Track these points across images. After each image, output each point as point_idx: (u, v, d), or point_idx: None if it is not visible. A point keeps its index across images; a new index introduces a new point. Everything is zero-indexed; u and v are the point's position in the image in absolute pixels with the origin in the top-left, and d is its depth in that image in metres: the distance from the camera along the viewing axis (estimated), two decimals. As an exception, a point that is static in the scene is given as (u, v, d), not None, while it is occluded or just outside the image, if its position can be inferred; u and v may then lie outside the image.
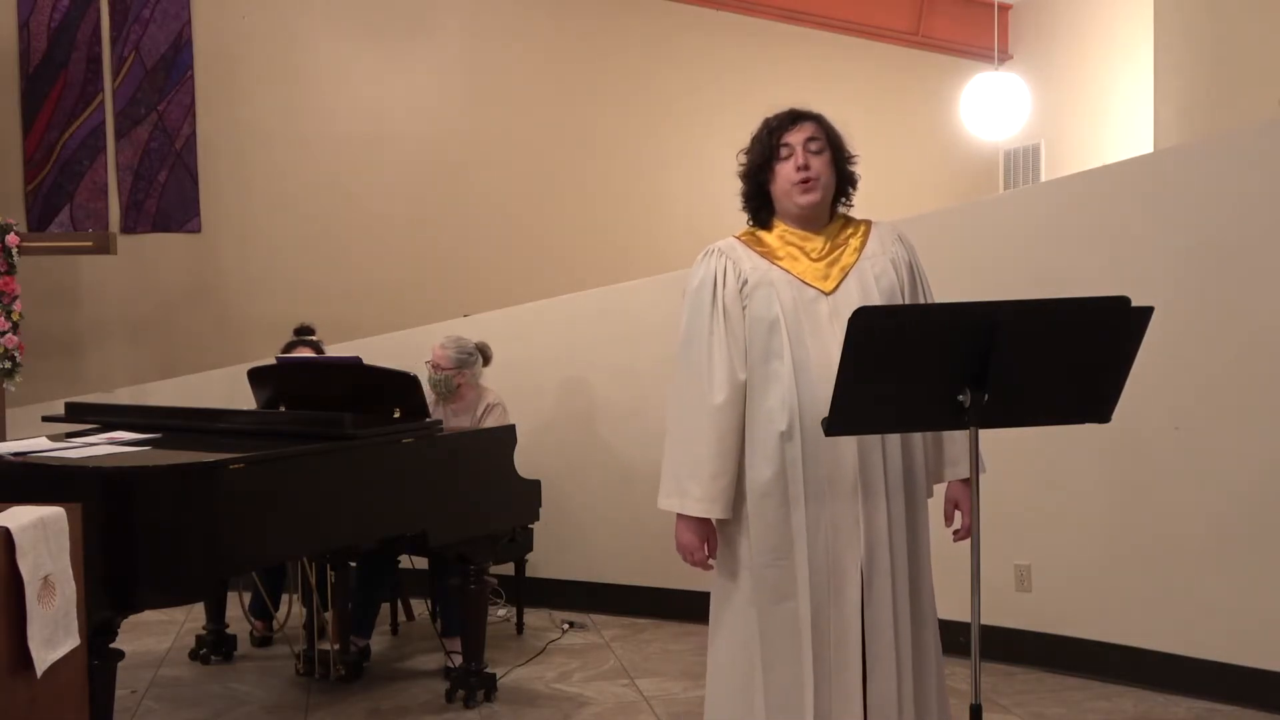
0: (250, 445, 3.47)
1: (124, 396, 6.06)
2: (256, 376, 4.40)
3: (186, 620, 5.28)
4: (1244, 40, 5.35)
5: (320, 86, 7.36)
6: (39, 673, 2.19)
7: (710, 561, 2.70)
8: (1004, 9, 9.07)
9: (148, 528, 2.99)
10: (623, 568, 5.33)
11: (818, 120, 2.68)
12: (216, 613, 4.77)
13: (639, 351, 5.19)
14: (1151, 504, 4.06)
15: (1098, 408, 2.39)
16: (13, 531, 2.13)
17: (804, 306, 2.59)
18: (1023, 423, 2.49)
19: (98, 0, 6.89)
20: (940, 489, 2.75)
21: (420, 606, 5.28)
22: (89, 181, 6.92)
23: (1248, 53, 5.32)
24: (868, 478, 2.56)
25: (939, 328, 2.30)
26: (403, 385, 4.03)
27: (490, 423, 4.67)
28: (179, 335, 7.01)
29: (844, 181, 2.70)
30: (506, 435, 4.31)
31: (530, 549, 5.09)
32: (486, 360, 4.85)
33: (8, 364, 5.75)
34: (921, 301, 2.70)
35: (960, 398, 2.29)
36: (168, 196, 7.04)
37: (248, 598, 5.05)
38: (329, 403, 4.13)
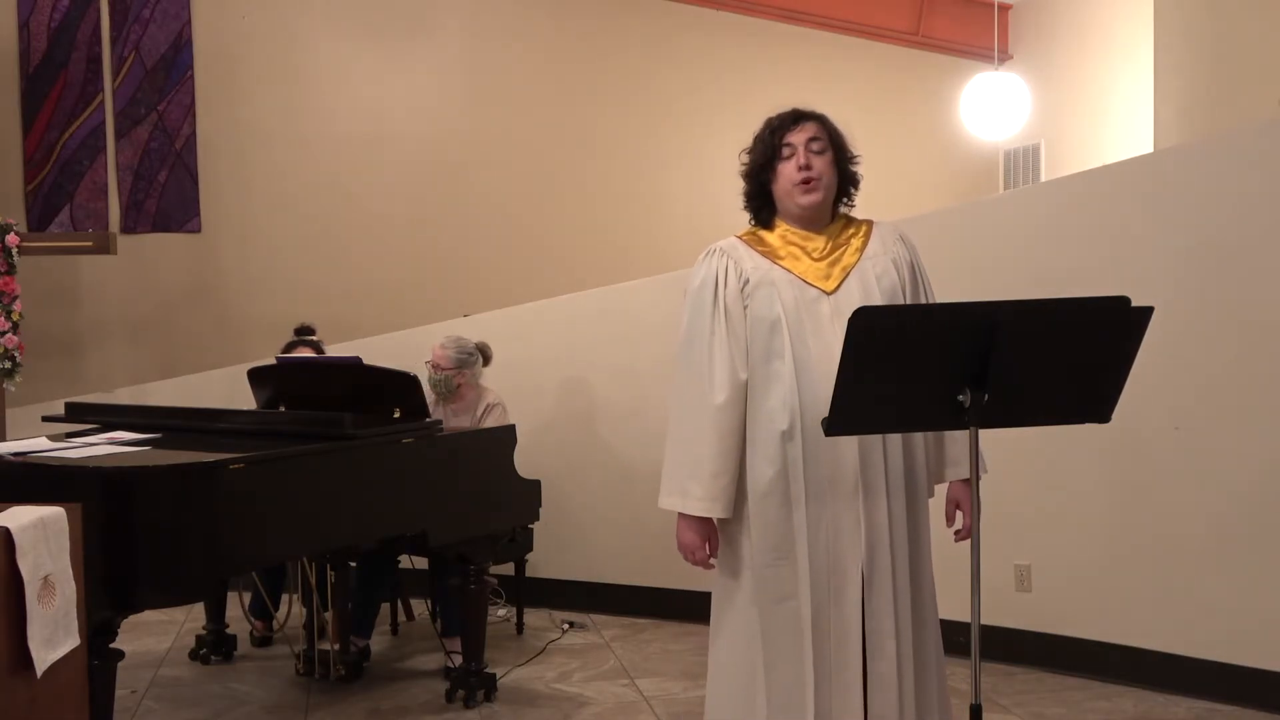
0: (250, 445, 3.47)
1: (124, 396, 6.06)
2: (256, 376, 4.40)
3: (186, 620, 5.28)
4: (1244, 40, 5.35)
5: (320, 86, 7.36)
6: (39, 673, 2.19)
7: (711, 561, 2.70)
8: (1004, 9, 9.07)
9: (148, 528, 2.99)
10: (623, 568, 5.33)
11: (820, 120, 2.68)
12: (216, 613, 4.77)
13: (639, 351, 5.19)
14: (1151, 504, 4.06)
15: (1098, 408, 2.39)
16: (13, 531, 2.13)
17: (805, 306, 2.59)
18: (1023, 423, 2.48)
19: (98, 0, 6.89)
20: (942, 489, 2.75)
21: (420, 606, 5.28)
22: (89, 181, 6.92)
23: (1248, 52, 5.32)
24: (869, 478, 2.56)
25: (939, 328, 2.30)
26: (403, 385, 4.03)
27: (490, 423, 4.67)
28: (179, 335, 7.01)
29: (846, 182, 2.70)
30: (506, 435, 4.31)
31: (530, 549, 5.09)
32: (486, 360, 4.85)
33: (8, 364, 5.75)
34: (923, 301, 2.70)
35: (960, 398, 2.29)
36: (168, 196, 7.04)
37: (248, 598, 5.05)
38: (329, 403, 4.13)
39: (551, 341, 5.48)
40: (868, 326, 2.21)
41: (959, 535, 2.66)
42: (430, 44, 7.64)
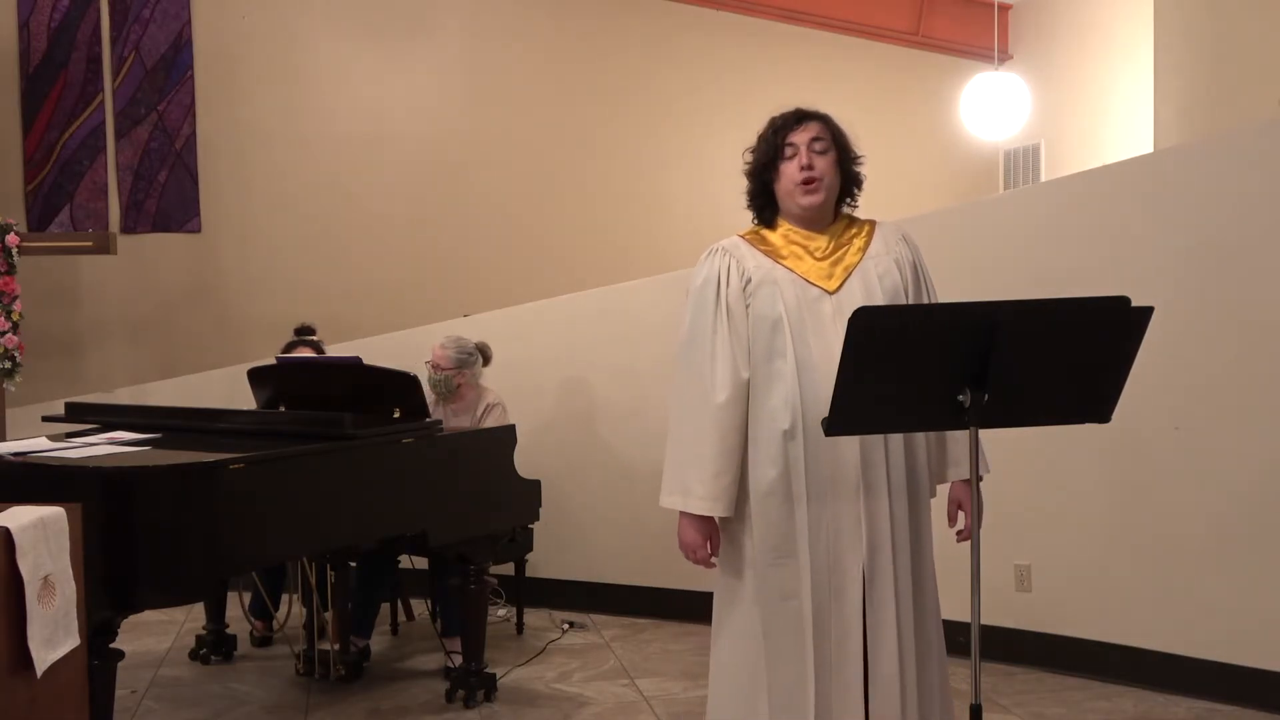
0: (250, 445, 3.47)
1: (124, 396, 6.06)
2: (256, 376, 4.40)
3: (186, 620, 5.28)
4: (1244, 40, 5.35)
5: (320, 86, 7.36)
6: (39, 673, 2.19)
7: (713, 560, 2.70)
8: (1004, 9, 9.07)
9: (148, 528, 2.99)
10: (623, 568, 5.33)
11: (823, 120, 2.68)
12: (216, 613, 4.77)
13: (639, 351, 5.19)
14: (1151, 504, 4.06)
15: (1098, 408, 2.39)
16: (13, 531, 2.13)
17: (807, 305, 2.59)
18: (1023, 423, 2.48)
19: (98, 0, 6.89)
20: (944, 489, 2.75)
21: (420, 606, 5.28)
22: (89, 181, 6.92)
23: (1248, 52, 5.32)
24: (870, 477, 2.56)
25: (939, 327, 2.30)
26: (403, 385, 4.03)
27: (490, 423, 4.67)
28: (179, 335, 7.01)
29: (849, 182, 2.70)
30: (506, 435, 4.31)
31: (530, 549, 5.09)
32: (486, 360, 4.85)
33: (8, 364, 5.75)
34: (925, 301, 2.70)
35: (960, 398, 2.29)
36: (168, 196, 7.04)
37: (248, 598, 5.05)
38: (329, 403, 4.13)
39: (551, 341, 5.48)
40: (868, 326, 2.21)
41: (960, 535, 2.66)
42: (430, 44, 7.64)
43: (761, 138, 2.69)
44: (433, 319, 5.88)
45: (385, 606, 4.98)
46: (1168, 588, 4.03)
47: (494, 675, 4.22)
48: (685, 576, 4.52)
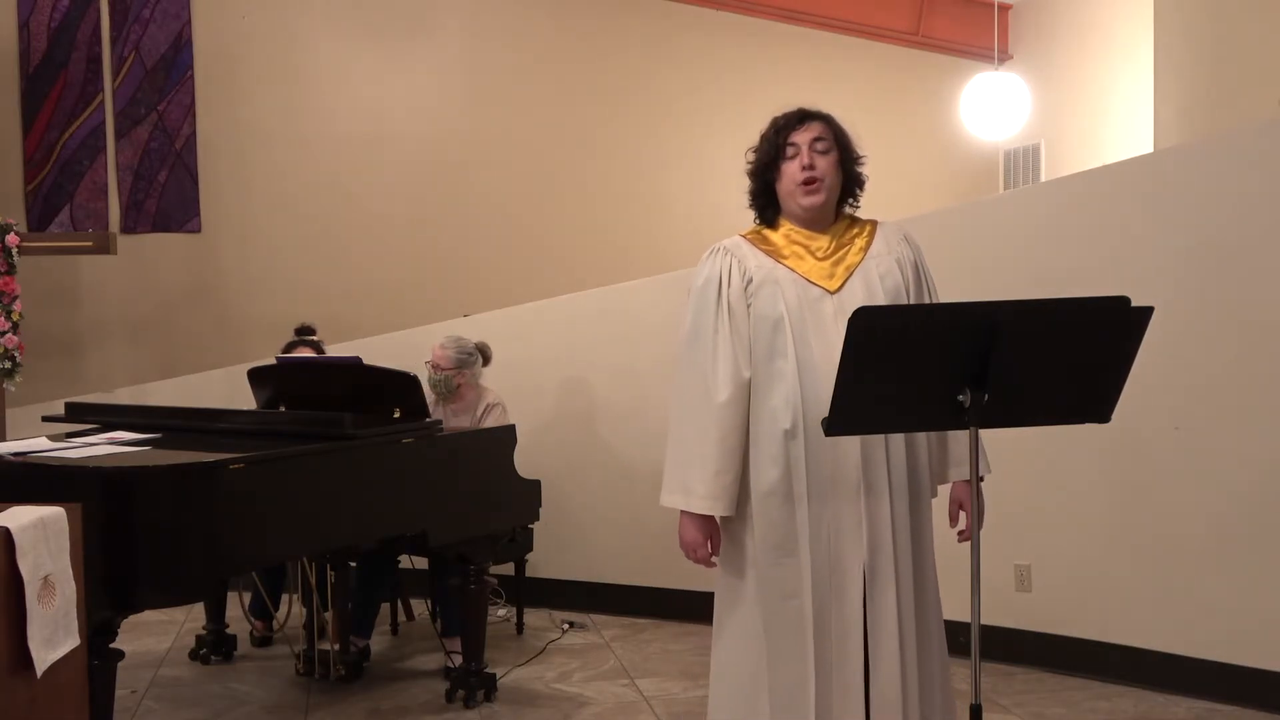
0: (250, 445, 3.47)
1: (124, 396, 6.06)
2: (256, 376, 4.40)
3: (186, 620, 5.28)
4: (1244, 40, 5.35)
5: (320, 86, 7.36)
6: (39, 673, 2.19)
7: (713, 559, 2.70)
8: (1004, 9, 9.07)
9: (148, 528, 2.99)
10: (623, 568, 5.33)
11: (826, 120, 2.68)
12: (216, 613, 4.77)
13: (639, 351, 5.19)
14: (1151, 504, 4.06)
15: (1098, 408, 2.39)
16: (13, 531, 2.12)
17: (809, 305, 2.59)
18: (1023, 423, 2.48)
19: (98, 0, 6.89)
20: (945, 489, 2.75)
21: (420, 606, 5.28)
22: (89, 181, 6.92)
23: (1248, 53, 5.32)
24: (871, 477, 2.56)
25: (939, 327, 2.30)
26: (403, 385, 4.03)
27: (490, 423, 4.67)
28: (179, 335, 7.02)
29: (850, 182, 2.71)
30: (506, 435, 4.31)
31: (530, 549, 5.09)
32: (486, 360, 4.85)
33: (8, 364, 5.75)
34: (927, 301, 2.70)
35: (960, 398, 2.29)
36: (168, 196, 7.04)
37: (248, 598, 5.05)
38: (329, 403, 4.13)
39: (551, 341, 5.48)
40: (868, 326, 2.21)
41: (962, 536, 2.66)
42: (430, 44, 7.64)
43: (764, 137, 2.69)
44: (433, 319, 5.88)
45: (385, 606, 4.98)
46: (1168, 588, 4.03)
47: (494, 675, 4.22)
48: (685, 576, 4.53)
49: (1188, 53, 5.81)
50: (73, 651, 2.36)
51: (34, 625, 2.17)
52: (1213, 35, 5.60)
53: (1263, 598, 3.80)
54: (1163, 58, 6.15)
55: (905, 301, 2.65)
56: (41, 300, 6.42)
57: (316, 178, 7.29)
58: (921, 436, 2.65)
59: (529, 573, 5.18)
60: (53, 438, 3.78)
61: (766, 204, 2.72)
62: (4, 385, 5.77)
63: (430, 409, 4.25)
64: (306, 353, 5.04)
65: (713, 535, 2.68)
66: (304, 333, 5.18)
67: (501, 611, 5.27)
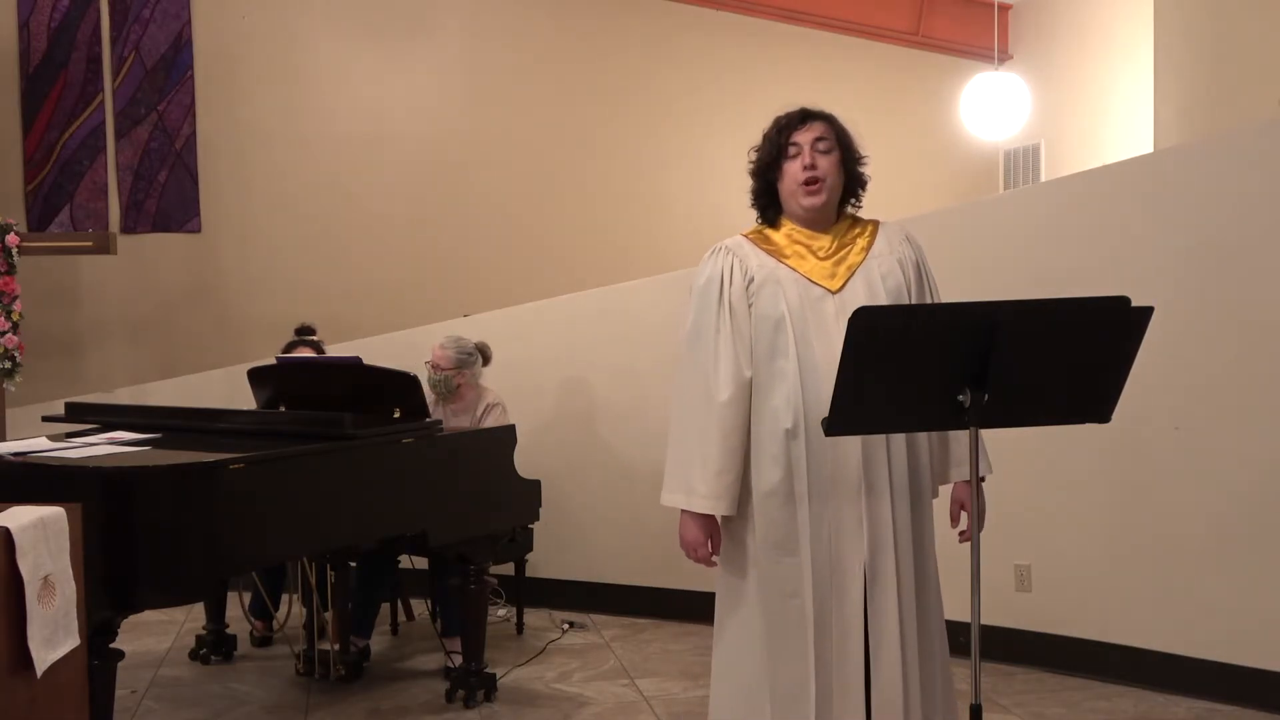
0: (250, 445, 3.47)
1: (124, 396, 6.06)
2: (256, 376, 4.40)
3: (186, 620, 5.28)
4: (1244, 40, 5.35)
5: (320, 86, 7.36)
6: (39, 673, 2.19)
7: (714, 559, 2.70)
8: (1004, 9, 9.07)
9: (148, 528, 2.99)
10: (623, 568, 5.33)
11: (828, 120, 2.68)
12: (216, 613, 4.77)
13: (639, 351, 5.19)
14: (1151, 504, 4.06)
15: (1098, 408, 2.39)
16: (13, 531, 2.12)
17: (810, 305, 2.59)
18: (1023, 423, 2.49)
19: (98, 0, 6.89)
20: (946, 489, 2.75)
21: (420, 606, 5.28)
22: (89, 181, 6.92)
23: (1248, 53, 5.32)
24: (872, 477, 2.56)
25: (939, 327, 2.30)
26: (403, 385, 4.03)
27: (490, 423, 4.67)
28: (179, 335, 7.02)
29: (852, 182, 2.71)
30: (506, 435, 4.31)
31: (530, 549, 5.09)
32: (486, 360, 4.85)
33: (8, 364, 5.75)
34: (928, 301, 2.70)
35: (960, 398, 2.29)
36: (168, 196, 7.04)
37: (248, 598, 5.05)
38: (329, 403, 4.13)
39: (551, 341, 5.48)
40: (868, 326, 2.21)
41: (963, 536, 2.66)
42: (430, 44, 7.64)
43: (766, 137, 2.70)
44: (433, 319, 5.88)
45: (385, 606, 4.98)
46: (1168, 588, 4.02)
47: (494, 675, 4.22)
48: (685, 576, 4.53)
49: (1188, 53, 5.81)
50: (73, 651, 2.36)
51: (34, 625, 2.17)
52: (1213, 35, 5.60)
53: (1263, 598, 3.80)
54: (1163, 58, 6.15)
55: (907, 301, 2.65)
56: (41, 300, 6.42)
57: (316, 178, 7.29)
58: (922, 436, 2.65)
59: (529, 573, 5.18)
60: (53, 438, 3.78)
61: (768, 204, 2.72)
62: (4, 385, 5.77)
63: (430, 409, 4.25)
64: (306, 353, 5.04)
65: (713, 535, 2.68)
66: (304, 333, 5.18)
67: (501, 611, 5.27)
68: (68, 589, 2.33)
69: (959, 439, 2.66)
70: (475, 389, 4.81)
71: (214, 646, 4.73)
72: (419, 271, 7.41)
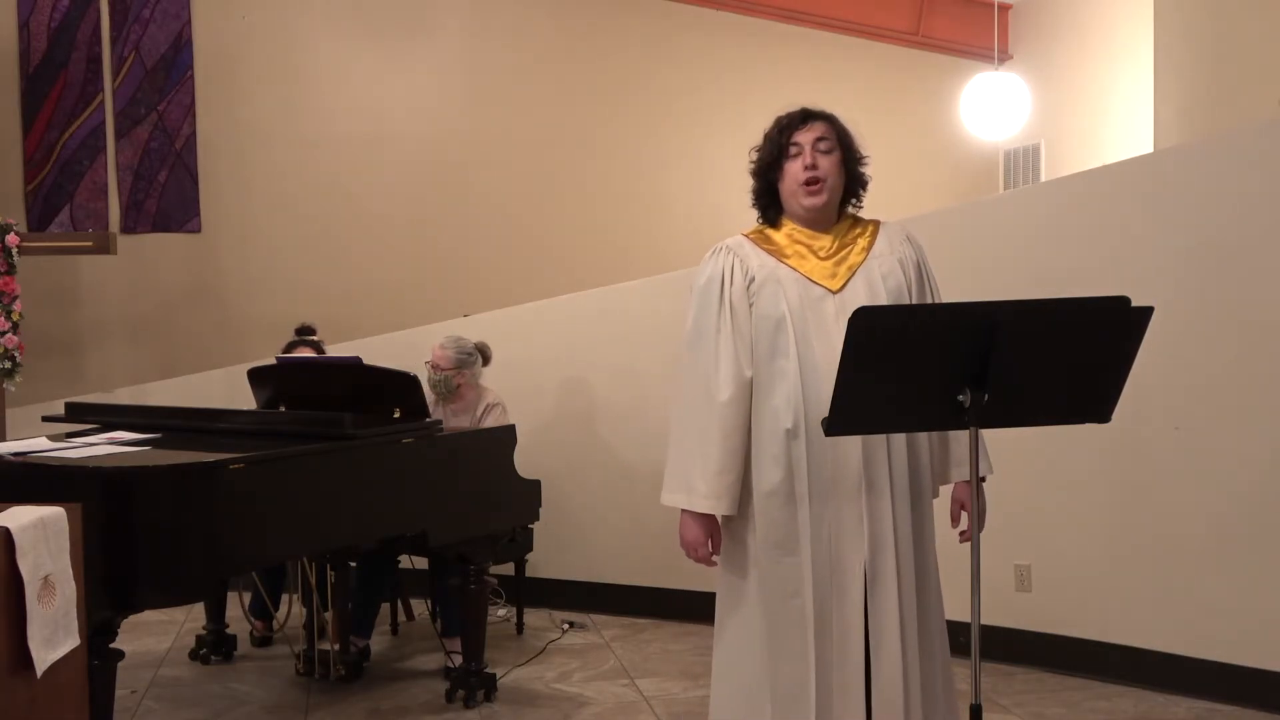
0: (250, 445, 3.47)
1: (124, 396, 6.06)
2: (256, 376, 4.40)
3: (186, 620, 5.28)
4: (1244, 40, 5.35)
5: (320, 86, 7.36)
6: (39, 673, 2.19)
7: (714, 558, 2.70)
8: (1004, 9, 9.07)
9: (148, 528, 2.99)
10: (623, 568, 5.33)
11: (829, 120, 2.68)
12: (216, 613, 4.77)
13: (639, 351, 5.19)
14: (1151, 504, 4.06)
15: (1098, 408, 2.39)
16: (13, 531, 2.12)
17: (811, 305, 2.60)
18: (1023, 423, 2.49)
19: (98, 0, 6.89)
20: (947, 490, 2.75)
21: (420, 606, 5.28)
22: (89, 181, 6.92)
23: (1248, 53, 5.32)
24: (872, 477, 2.56)
25: (939, 327, 2.31)
26: (403, 385, 4.03)
27: (490, 423, 4.67)
28: (179, 335, 7.02)
29: (854, 182, 2.71)
30: (506, 435, 4.31)
31: (530, 549, 5.09)
32: (486, 360, 4.85)
33: (8, 364, 5.75)
34: (929, 301, 2.70)
35: (960, 398, 2.29)
36: (168, 196, 7.04)
37: (248, 598, 5.05)
38: (329, 403, 4.13)
39: (551, 341, 5.48)
40: (868, 326, 2.21)
41: (963, 536, 2.66)
42: (430, 44, 7.64)
43: (767, 136, 2.70)
44: (433, 319, 5.88)
45: (385, 606, 4.98)
46: (1168, 588, 4.02)
47: (494, 675, 4.22)
48: (685, 576, 4.53)
49: (1188, 53, 5.81)
50: (73, 651, 2.36)
51: (34, 625, 2.17)
52: (1213, 35, 5.60)
53: (1263, 598, 3.80)
54: (1163, 58, 6.15)
55: (908, 301, 2.65)
56: (41, 300, 6.42)
57: (316, 178, 7.29)
58: (923, 436, 2.65)
59: (529, 573, 5.18)
60: (53, 438, 3.77)
61: (769, 203, 2.72)
62: (4, 385, 5.77)
63: (430, 409, 4.25)
64: (306, 353, 5.04)
65: (713, 534, 2.68)
66: (304, 333, 5.18)
67: (501, 611, 5.27)
68: (68, 589, 2.33)
69: (959, 439, 2.65)
70: (475, 389, 4.81)
71: (214, 646, 4.73)
72: (419, 271, 7.41)
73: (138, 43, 6.97)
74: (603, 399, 5.37)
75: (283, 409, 4.31)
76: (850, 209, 2.74)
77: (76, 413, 4.24)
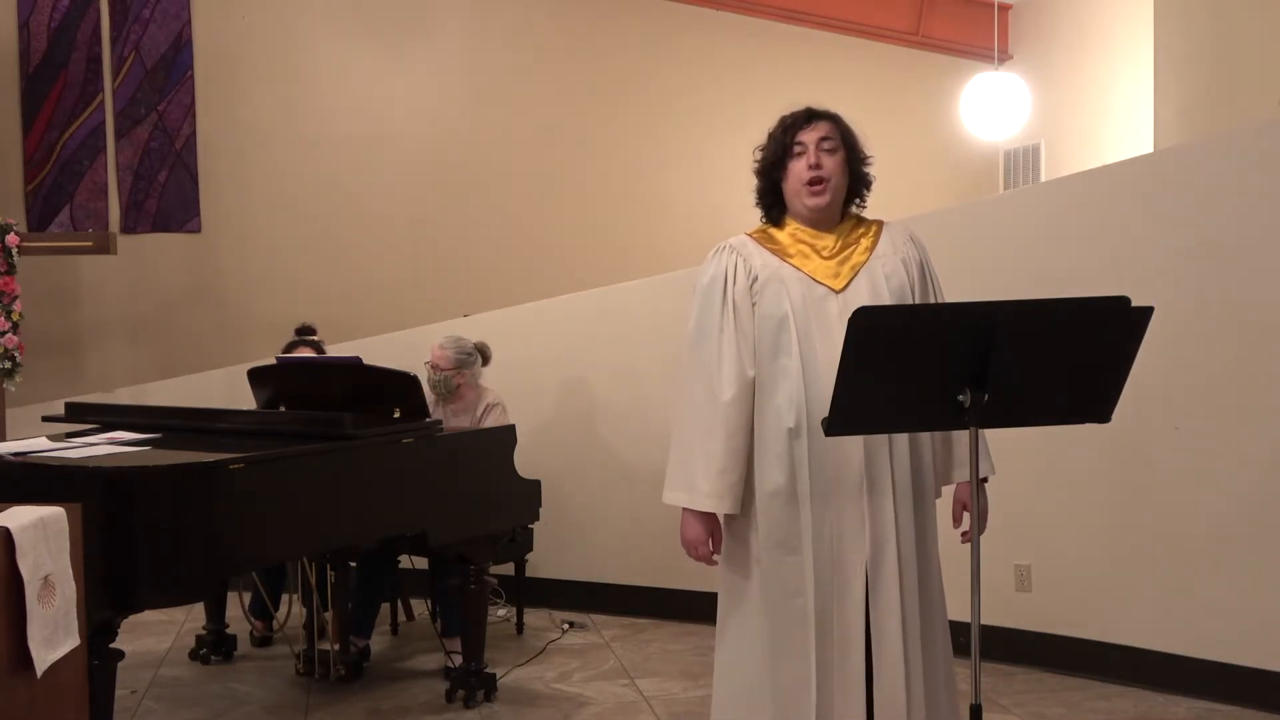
0: (250, 445, 3.47)
1: (124, 396, 6.06)
2: (256, 376, 4.40)
3: (186, 620, 5.28)
4: (1244, 40, 5.35)
5: (320, 86, 7.36)
6: (39, 673, 2.19)
7: (715, 557, 2.70)
8: (1004, 9, 9.07)
9: (148, 528, 2.99)
10: (623, 568, 5.33)
11: (833, 120, 2.68)
12: (216, 613, 4.77)
13: (639, 351, 5.19)
14: (1151, 504, 4.06)
15: (1098, 408, 2.39)
16: (13, 531, 2.12)
17: (813, 304, 2.60)
18: (1023, 423, 2.49)
19: (98, 0, 6.89)
20: (949, 490, 2.75)
21: (420, 606, 5.28)
22: (89, 181, 6.92)
23: (1248, 53, 5.32)
24: (874, 477, 2.56)
25: (939, 327, 2.31)
26: (403, 385, 4.04)
27: (490, 423, 4.67)
28: (179, 335, 7.02)
29: (857, 182, 2.71)
30: (506, 435, 4.31)
31: (530, 549, 5.09)
32: (486, 360, 4.85)
33: (8, 364, 5.75)
34: (932, 301, 2.70)
35: (960, 398, 2.29)
36: (168, 196, 7.04)
37: (248, 598, 5.05)
38: (329, 403, 4.13)
39: (551, 341, 5.48)
40: (868, 326, 2.21)
41: (965, 536, 2.65)
42: (430, 44, 7.64)
43: (771, 136, 2.70)
44: (433, 319, 5.88)
45: (385, 606, 4.98)
46: (1168, 588, 4.02)
47: (494, 675, 4.22)
48: (685, 576, 4.53)
49: (1188, 53, 5.81)
50: (73, 651, 2.36)
51: (34, 625, 2.17)
52: (1213, 35, 5.60)
53: (1263, 598, 3.80)
54: (1163, 58, 6.15)
55: (911, 301, 2.65)
56: (41, 300, 6.41)
57: (316, 178, 7.29)
58: (925, 436, 2.65)
59: (529, 573, 5.18)
60: (53, 438, 3.77)
61: (773, 203, 2.72)
62: (4, 385, 5.77)
63: (430, 409, 4.25)
64: (307, 353, 5.04)
65: (714, 533, 2.68)
66: (304, 333, 5.18)
67: (501, 611, 5.27)
68: (68, 589, 2.33)
69: (962, 439, 2.65)
70: (475, 389, 4.81)
71: (214, 646, 4.73)
72: (419, 271, 7.41)
73: (138, 43, 6.97)
74: (603, 399, 5.37)
75: (283, 409, 4.31)
76: (854, 209, 2.74)
77: (76, 413, 4.24)
